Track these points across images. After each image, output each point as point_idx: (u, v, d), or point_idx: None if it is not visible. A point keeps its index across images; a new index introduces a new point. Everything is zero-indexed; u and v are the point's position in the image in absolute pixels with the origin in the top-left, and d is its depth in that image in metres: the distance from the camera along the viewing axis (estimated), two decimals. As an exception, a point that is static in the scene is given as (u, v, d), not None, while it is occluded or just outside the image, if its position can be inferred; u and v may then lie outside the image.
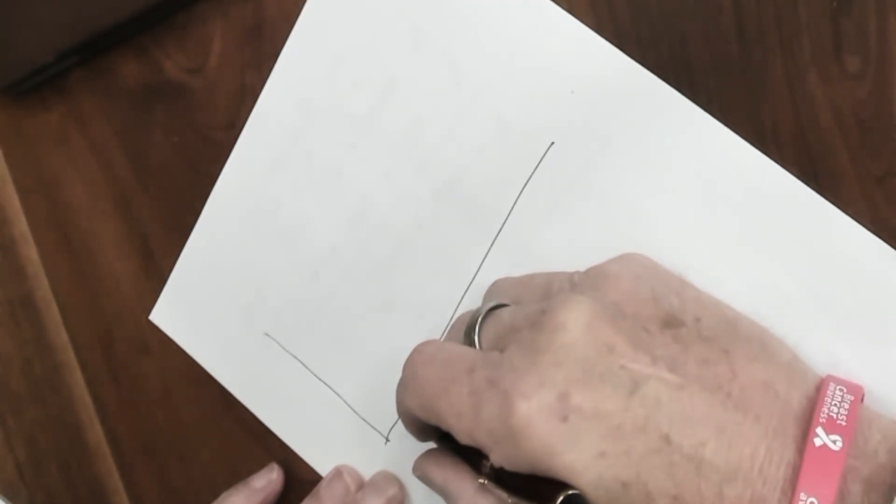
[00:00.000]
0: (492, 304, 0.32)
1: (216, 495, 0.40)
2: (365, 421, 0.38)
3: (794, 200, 0.31)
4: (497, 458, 0.27)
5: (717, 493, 0.25)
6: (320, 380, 0.39)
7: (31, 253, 0.44)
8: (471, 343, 0.31)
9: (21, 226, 0.44)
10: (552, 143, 0.34)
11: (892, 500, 0.24)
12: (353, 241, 0.37)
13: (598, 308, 0.28)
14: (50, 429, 0.44)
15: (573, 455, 0.26)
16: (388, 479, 0.37)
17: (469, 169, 0.35)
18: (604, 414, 0.26)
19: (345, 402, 0.38)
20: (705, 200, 0.32)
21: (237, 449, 0.41)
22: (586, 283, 0.30)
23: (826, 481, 0.24)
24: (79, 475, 0.44)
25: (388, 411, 0.37)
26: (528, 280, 0.33)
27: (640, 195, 0.32)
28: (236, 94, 0.39)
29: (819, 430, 0.25)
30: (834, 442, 0.25)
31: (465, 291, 0.35)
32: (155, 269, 0.42)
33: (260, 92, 0.38)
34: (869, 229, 0.30)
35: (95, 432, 0.44)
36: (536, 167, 0.34)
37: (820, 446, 0.25)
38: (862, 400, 0.28)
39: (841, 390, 0.27)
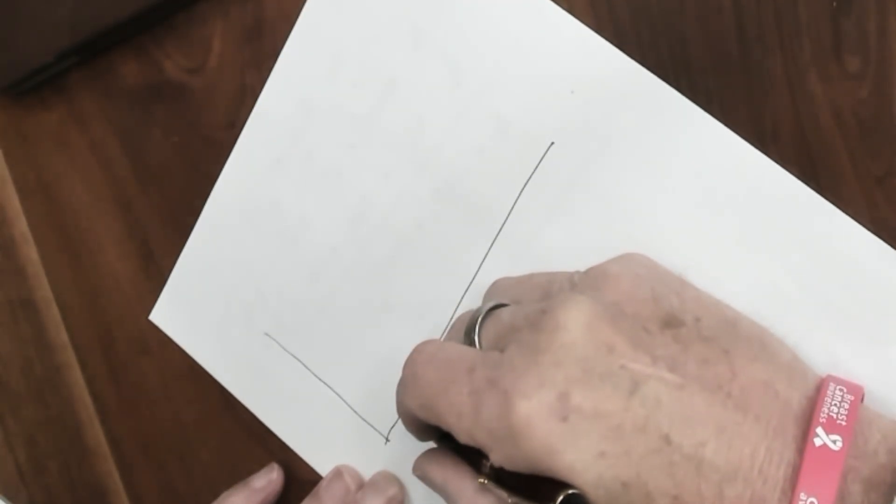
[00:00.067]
0: (492, 303, 0.32)
1: (216, 495, 0.40)
2: (365, 421, 0.38)
3: (794, 200, 0.31)
4: (497, 457, 0.27)
5: (717, 493, 0.25)
6: (320, 380, 0.39)
7: (31, 253, 0.44)
8: (471, 343, 0.31)
9: (21, 226, 0.44)
10: (552, 143, 0.34)
11: (892, 500, 0.24)
12: (353, 241, 0.37)
13: (599, 308, 0.28)
14: (50, 429, 0.44)
15: (573, 455, 0.26)
16: (388, 479, 0.37)
17: (469, 169, 0.35)
18: (604, 414, 0.26)
19: (345, 402, 0.38)
20: (705, 200, 0.32)
21: (237, 449, 0.41)
22: (586, 282, 0.30)
23: (826, 481, 0.24)
24: (79, 475, 0.44)
25: (388, 411, 0.37)
26: (527, 280, 0.33)
27: (640, 195, 0.32)
28: (236, 94, 0.39)
29: (819, 430, 0.25)
30: (834, 442, 0.25)
31: (465, 291, 0.35)
32: (155, 269, 0.42)
33: (260, 92, 0.38)
34: (869, 229, 0.30)
35: (95, 432, 0.44)
36: (536, 167, 0.34)
37: (820, 446, 0.25)
38: (862, 400, 0.28)
39: (841, 390, 0.27)
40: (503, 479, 0.30)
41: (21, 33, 0.39)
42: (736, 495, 0.25)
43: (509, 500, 0.29)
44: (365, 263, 0.37)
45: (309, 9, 0.37)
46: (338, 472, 0.38)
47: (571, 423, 0.26)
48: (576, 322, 0.27)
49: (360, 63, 0.36)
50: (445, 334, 0.35)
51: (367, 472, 0.38)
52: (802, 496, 0.24)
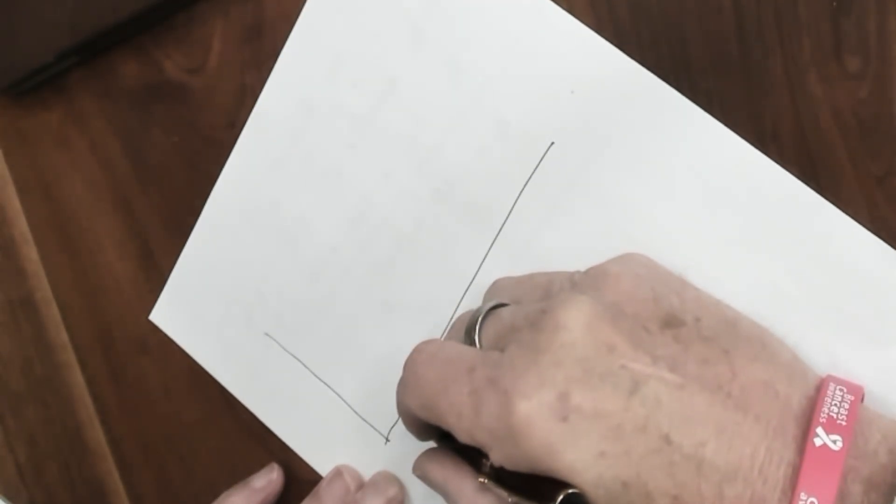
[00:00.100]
0: (492, 303, 0.32)
1: (216, 495, 0.40)
2: (365, 421, 0.38)
3: (794, 200, 0.31)
4: (497, 457, 0.27)
5: (717, 493, 0.25)
6: (320, 380, 0.39)
7: (31, 253, 0.44)
8: (471, 342, 0.31)
9: (21, 226, 0.44)
10: (552, 144, 0.34)
11: (892, 500, 0.24)
12: (353, 241, 0.37)
13: (599, 308, 0.28)
14: (50, 429, 0.44)
15: (573, 455, 0.26)
16: (388, 479, 0.37)
17: (469, 169, 0.35)
18: (604, 414, 0.26)
19: (345, 402, 0.38)
20: (705, 200, 0.32)
21: (237, 449, 0.41)
22: (586, 282, 0.30)
23: (826, 481, 0.24)
24: (79, 475, 0.44)
25: (388, 411, 0.37)
26: (528, 279, 0.33)
27: (640, 195, 0.32)
28: (236, 94, 0.39)
29: (819, 430, 0.25)
30: (834, 442, 0.25)
31: (465, 291, 0.35)
32: (155, 269, 0.42)
33: (260, 92, 0.38)
34: (869, 229, 0.30)
35: (95, 432, 0.44)
36: (536, 167, 0.34)
37: (820, 446, 0.25)
38: (862, 400, 0.28)
39: (841, 390, 0.27)
40: (503, 478, 0.30)
41: (21, 33, 0.39)
42: (736, 495, 0.25)
43: (509, 500, 0.29)
44: (365, 263, 0.37)
45: (309, 9, 0.37)
46: (338, 472, 0.38)
47: (571, 422, 0.26)
48: (576, 322, 0.27)
49: (360, 63, 0.36)
50: (445, 334, 0.35)
51: (367, 472, 0.38)
52: (802, 496, 0.24)
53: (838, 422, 0.25)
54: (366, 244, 0.37)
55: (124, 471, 0.44)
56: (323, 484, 0.38)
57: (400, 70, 0.36)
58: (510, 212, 0.34)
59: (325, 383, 0.38)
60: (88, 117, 0.41)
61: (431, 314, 0.36)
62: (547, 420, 0.26)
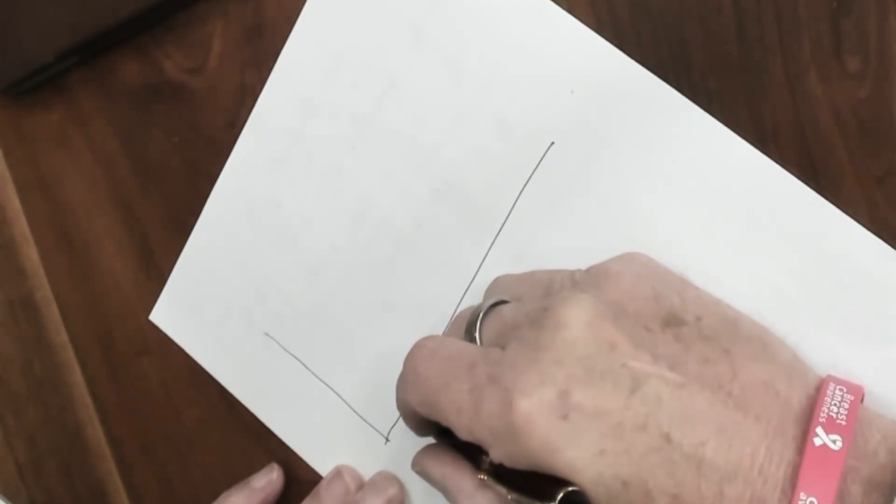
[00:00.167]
0: (493, 300, 0.32)
1: (216, 495, 0.40)
2: (365, 421, 0.38)
3: (794, 200, 0.31)
4: (497, 454, 0.27)
5: (716, 493, 0.25)
6: (320, 380, 0.39)
7: (31, 253, 0.44)
8: (472, 339, 0.31)
9: (21, 226, 0.44)
10: (552, 143, 0.34)
11: (892, 500, 0.24)
12: (353, 241, 0.37)
13: (600, 306, 0.28)
14: (50, 429, 0.44)
15: (573, 453, 0.26)
16: (388, 479, 0.37)
17: (469, 169, 0.35)
18: (604, 412, 0.26)
19: (345, 402, 0.38)
20: (705, 200, 0.32)
21: (237, 449, 0.41)
22: (588, 281, 0.30)
23: (826, 481, 0.24)
24: (79, 475, 0.44)
25: (388, 411, 0.37)
26: (529, 277, 0.33)
27: (640, 195, 0.32)
28: (236, 94, 0.39)
29: (819, 430, 0.25)
30: (834, 441, 0.25)
31: (465, 291, 0.35)
32: (155, 269, 0.42)
33: (260, 92, 0.38)
34: (869, 229, 0.30)
35: (95, 432, 0.44)
36: (536, 167, 0.34)
37: (820, 446, 0.25)
38: (862, 400, 0.28)
39: (841, 390, 0.27)
40: (503, 475, 0.30)
41: (21, 33, 0.39)
42: (736, 495, 0.25)
43: (509, 497, 0.29)
44: (365, 263, 0.37)
45: (309, 9, 0.37)
46: (338, 472, 0.38)
47: (572, 420, 0.26)
48: (577, 320, 0.27)
49: (360, 63, 0.36)
50: (446, 330, 0.35)
51: (367, 472, 0.38)
52: (802, 496, 0.24)
53: (838, 421, 0.25)
54: (366, 244, 0.37)
55: (124, 471, 0.44)
56: (323, 484, 0.38)
57: (400, 70, 0.36)
58: (510, 212, 0.34)
59: (325, 383, 0.38)
60: (88, 117, 0.41)
61: (431, 314, 0.36)
62: (547, 418, 0.26)
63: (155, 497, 0.43)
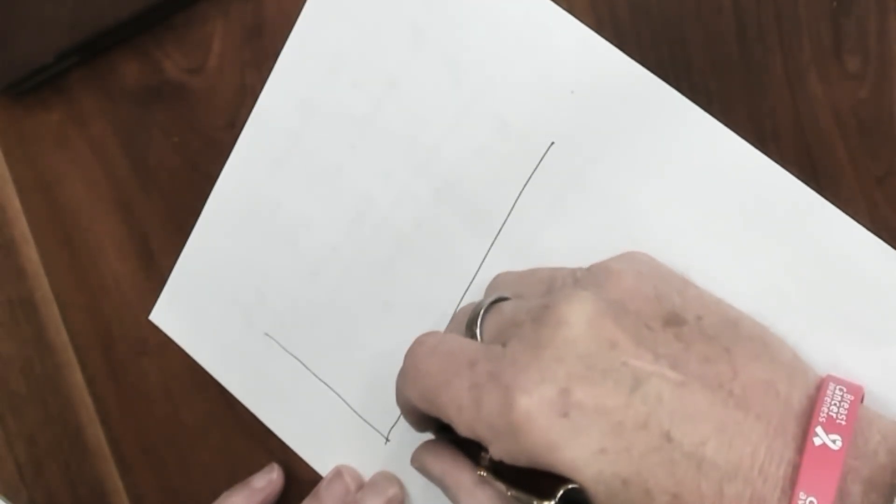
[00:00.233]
0: (494, 297, 0.32)
1: (216, 495, 0.40)
2: (365, 421, 0.38)
3: (794, 200, 0.31)
4: (497, 451, 0.27)
5: (717, 492, 0.25)
6: (320, 380, 0.39)
7: (31, 253, 0.44)
8: (472, 336, 0.31)
9: (21, 226, 0.44)
10: (552, 143, 0.34)
11: (892, 500, 0.24)
12: (353, 241, 0.37)
13: (602, 304, 0.28)
14: (50, 429, 0.44)
15: (573, 451, 0.26)
16: (388, 479, 0.37)
17: (469, 169, 0.35)
18: (605, 410, 0.26)
19: (345, 402, 0.38)
20: (705, 200, 0.32)
21: (237, 449, 0.41)
22: (589, 279, 0.30)
23: (825, 481, 0.24)
24: (79, 475, 0.44)
25: (388, 411, 0.37)
26: (530, 274, 0.33)
27: (640, 195, 0.32)
28: (236, 94, 0.39)
29: (819, 430, 0.25)
30: (833, 441, 0.25)
31: (465, 291, 0.35)
32: (155, 269, 0.42)
33: (260, 92, 0.38)
34: (869, 229, 0.30)
35: (95, 432, 0.44)
36: (536, 167, 0.34)
37: (819, 445, 0.25)
38: (862, 400, 0.28)
39: (841, 390, 0.27)
40: (502, 472, 0.30)
41: (21, 33, 0.39)
42: (736, 494, 0.25)
43: (508, 494, 0.29)
44: (365, 263, 0.37)
45: (309, 9, 0.37)
46: (338, 472, 0.38)
47: (572, 418, 0.26)
48: (578, 318, 0.27)
49: (360, 63, 0.36)
50: (447, 326, 0.35)
51: (367, 472, 0.38)
52: (802, 495, 0.24)
53: (838, 421, 0.25)
54: (366, 244, 0.37)
55: (124, 471, 0.44)
56: (323, 484, 0.38)
57: (400, 70, 0.36)
58: (510, 211, 0.34)
59: (325, 383, 0.38)
60: (88, 117, 0.41)
61: (431, 314, 0.36)
62: (548, 416, 0.26)
63: (155, 497, 0.43)
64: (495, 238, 0.35)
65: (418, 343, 0.31)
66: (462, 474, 0.31)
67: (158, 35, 0.40)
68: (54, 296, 0.44)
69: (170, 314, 0.41)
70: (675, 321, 0.28)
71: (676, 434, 0.26)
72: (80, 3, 0.38)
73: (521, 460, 0.27)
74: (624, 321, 0.27)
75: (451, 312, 0.36)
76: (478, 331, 0.31)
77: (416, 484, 0.37)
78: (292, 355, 0.39)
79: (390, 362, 0.33)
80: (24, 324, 0.44)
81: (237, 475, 0.40)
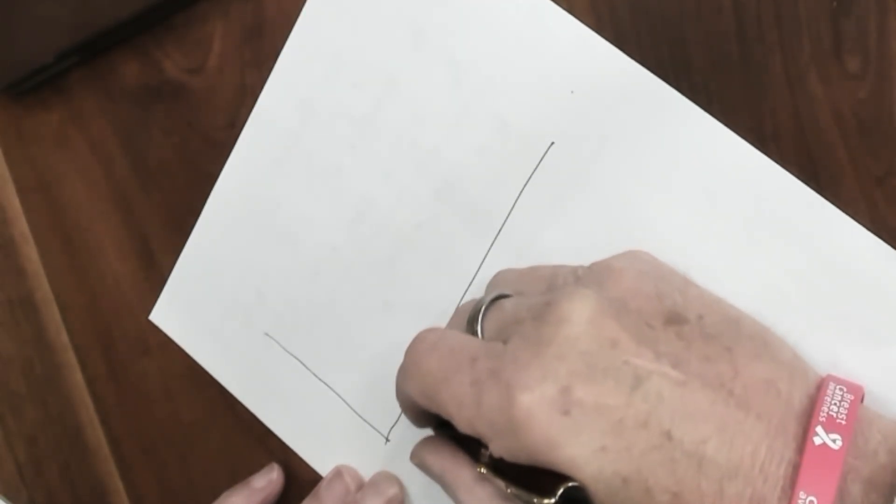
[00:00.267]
0: (495, 294, 0.32)
1: (216, 495, 0.40)
2: (365, 421, 0.38)
3: (794, 200, 0.31)
4: (497, 448, 0.27)
5: (717, 491, 0.25)
6: (320, 380, 0.39)
7: (31, 253, 0.44)
8: (473, 332, 0.31)
9: (21, 226, 0.44)
10: (552, 143, 0.34)
11: (892, 500, 0.24)
12: (353, 241, 0.37)
13: (603, 302, 0.28)
14: (50, 429, 0.44)
15: (574, 449, 0.26)
16: (388, 479, 0.37)
17: (469, 169, 0.35)
18: (606, 408, 0.26)
19: (345, 402, 0.38)
20: (705, 200, 0.32)
21: (237, 449, 0.41)
22: (590, 277, 0.30)
23: (825, 480, 0.24)
24: (79, 475, 0.44)
25: (388, 411, 0.37)
26: (531, 272, 0.33)
27: (640, 195, 0.32)
28: (236, 94, 0.39)
29: (819, 429, 0.25)
30: (833, 441, 0.25)
31: (465, 291, 0.35)
32: (155, 269, 0.42)
33: (260, 92, 0.38)
34: (869, 229, 0.30)
35: (95, 432, 0.44)
36: (536, 167, 0.34)
37: (819, 445, 0.25)
38: (862, 400, 0.28)
39: (841, 389, 0.27)
40: (502, 469, 0.30)
41: (21, 33, 0.39)
42: (736, 493, 0.25)
43: (508, 491, 0.29)
44: (365, 263, 0.37)
45: (309, 9, 0.37)
46: (338, 472, 0.38)
47: (573, 416, 0.26)
48: (580, 315, 0.27)
49: (360, 63, 0.36)
50: (447, 323, 0.35)
51: (367, 472, 0.38)
52: (802, 495, 0.24)
53: (838, 420, 0.25)
54: (366, 244, 0.37)
55: (124, 471, 0.44)
56: (323, 484, 0.38)
57: (400, 70, 0.36)
58: (510, 211, 0.34)
59: (325, 383, 0.38)
60: (88, 117, 0.41)
61: (431, 314, 0.36)
62: (548, 413, 0.26)
63: (155, 497, 0.43)
64: (495, 238, 0.35)
65: (419, 339, 0.31)
66: (461, 471, 0.31)
67: (158, 35, 0.40)
68: (54, 296, 0.44)
69: (170, 314, 0.41)
70: (676, 320, 0.28)
71: (677, 433, 0.26)
72: (80, 3, 0.38)
73: (521, 458, 0.27)
74: (625, 319, 0.27)
75: (450, 312, 0.36)
76: (479, 328, 0.31)
77: (416, 484, 0.37)
78: (292, 355, 0.39)
79: (390, 362, 0.33)
80: (24, 324, 0.44)
81: (237, 475, 0.40)
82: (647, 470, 0.25)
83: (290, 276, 0.39)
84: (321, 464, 0.39)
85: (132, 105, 0.41)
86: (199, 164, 0.40)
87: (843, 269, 0.30)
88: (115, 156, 0.41)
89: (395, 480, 0.37)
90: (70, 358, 0.44)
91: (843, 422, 0.25)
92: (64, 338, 0.44)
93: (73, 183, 0.42)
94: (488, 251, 0.35)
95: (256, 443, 0.40)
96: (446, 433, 0.33)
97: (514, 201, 0.34)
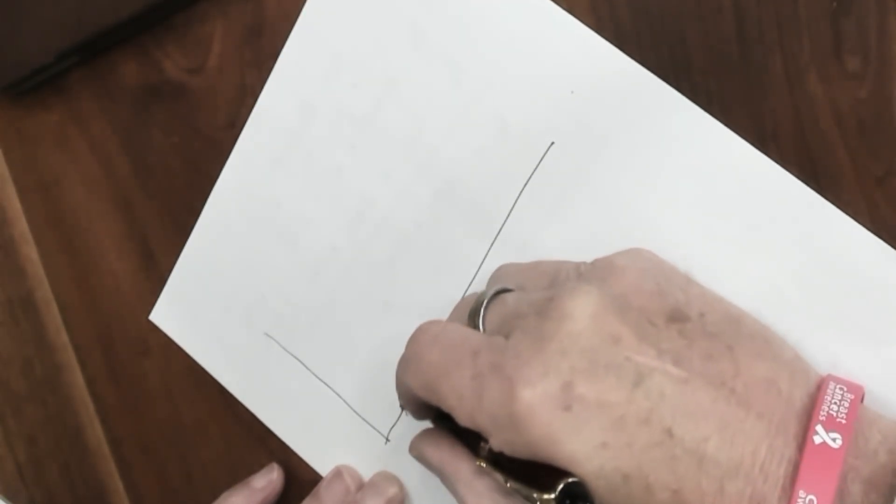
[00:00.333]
0: (496, 288, 0.32)
1: (216, 495, 0.40)
2: (365, 421, 0.38)
3: (794, 200, 0.31)
4: (497, 442, 0.27)
5: (717, 489, 0.25)
6: (320, 380, 0.39)
7: (31, 253, 0.44)
8: (475, 326, 0.31)
9: (21, 226, 0.44)
10: (552, 143, 0.34)
11: (892, 500, 0.24)
12: (353, 241, 0.37)
13: (606, 299, 0.28)
14: (50, 429, 0.44)
15: (575, 445, 0.26)
16: (388, 479, 0.37)
17: (469, 169, 0.35)
18: (607, 405, 0.26)
19: (345, 402, 0.38)
20: (705, 200, 0.32)
21: (237, 449, 0.41)
22: (593, 273, 0.30)
23: (825, 479, 0.24)
24: (79, 475, 0.44)
25: (388, 411, 0.37)
26: (534, 267, 0.33)
27: (640, 195, 0.32)
28: (236, 94, 0.39)
29: (819, 428, 0.25)
30: (833, 440, 0.25)
31: (465, 291, 0.35)
32: (155, 269, 0.42)
33: (260, 92, 0.38)
34: (869, 229, 0.30)
35: (95, 432, 0.44)
36: (536, 167, 0.34)
37: (819, 444, 0.25)
38: (862, 400, 0.28)
39: (841, 389, 0.27)
40: (501, 463, 0.30)
41: (21, 33, 0.39)
42: (736, 491, 0.25)
43: (507, 485, 0.29)
44: (365, 263, 0.37)
45: (309, 9, 0.37)
46: (338, 472, 0.38)
47: (574, 412, 0.26)
48: (583, 311, 0.27)
49: (360, 63, 0.36)
50: (449, 315, 0.35)
51: (367, 472, 0.38)
52: (801, 494, 0.24)
53: (838, 420, 0.25)
54: (366, 244, 0.37)
55: (124, 471, 0.44)
56: (323, 484, 0.38)
57: (400, 70, 0.36)
58: (510, 211, 0.34)
59: (325, 383, 0.38)
60: (88, 117, 0.41)
61: (431, 314, 0.36)
62: (550, 409, 0.26)
63: (155, 497, 0.43)
64: (495, 238, 0.35)
65: (421, 331, 0.31)
66: (461, 464, 0.31)
67: (158, 35, 0.40)
68: (54, 296, 0.44)
69: (170, 314, 0.41)
70: (678, 318, 0.28)
71: (678, 430, 0.26)
72: (80, 3, 0.38)
73: (521, 452, 0.27)
74: (627, 316, 0.27)
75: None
76: (480, 321, 0.31)
77: (416, 483, 0.37)
78: (292, 355, 0.39)
79: (390, 362, 0.33)
80: (24, 324, 0.44)
81: (237, 475, 0.40)
82: (648, 467, 0.25)
83: (290, 276, 0.39)
84: (321, 464, 0.39)
85: (132, 105, 0.41)
86: (199, 164, 0.40)
87: (843, 269, 0.30)
88: (115, 156, 0.41)
89: (395, 480, 0.37)
90: (70, 358, 0.44)
91: (843, 421, 0.25)
92: (64, 338, 0.44)
93: (73, 183, 0.42)
94: (488, 251, 0.35)
95: (256, 443, 0.40)
96: (445, 426, 0.33)
97: (514, 201, 0.34)
